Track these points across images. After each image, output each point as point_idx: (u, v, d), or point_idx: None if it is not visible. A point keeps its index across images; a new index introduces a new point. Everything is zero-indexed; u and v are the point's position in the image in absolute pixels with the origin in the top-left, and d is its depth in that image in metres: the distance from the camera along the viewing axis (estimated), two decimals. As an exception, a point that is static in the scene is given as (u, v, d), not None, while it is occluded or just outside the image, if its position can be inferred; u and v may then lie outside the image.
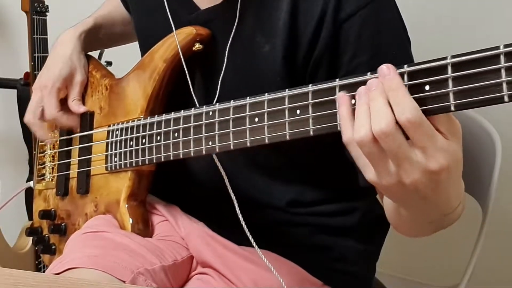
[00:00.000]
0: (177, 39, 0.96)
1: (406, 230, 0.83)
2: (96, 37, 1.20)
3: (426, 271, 1.69)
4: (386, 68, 0.62)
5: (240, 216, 0.87)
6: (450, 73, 0.59)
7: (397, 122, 0.60)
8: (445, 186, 0.65)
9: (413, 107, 0.60)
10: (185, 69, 0.97)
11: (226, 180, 0.89)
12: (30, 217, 1.72)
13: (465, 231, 1.23)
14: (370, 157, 0.63)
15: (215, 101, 0.92)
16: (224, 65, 0.93)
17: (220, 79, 0.93)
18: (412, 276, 1.47)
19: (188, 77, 0.97)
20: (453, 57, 0.59)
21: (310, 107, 0.70)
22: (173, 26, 0.98)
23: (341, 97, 0.66)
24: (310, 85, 0.70)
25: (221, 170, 0.89)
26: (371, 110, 0.62)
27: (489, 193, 1.11)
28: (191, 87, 0.96)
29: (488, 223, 1.12)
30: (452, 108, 0.60)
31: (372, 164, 0.64)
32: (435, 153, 0.61)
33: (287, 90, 0.73)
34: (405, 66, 0.63)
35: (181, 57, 0.97)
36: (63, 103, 1.12)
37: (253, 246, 0.97)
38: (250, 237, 0.86)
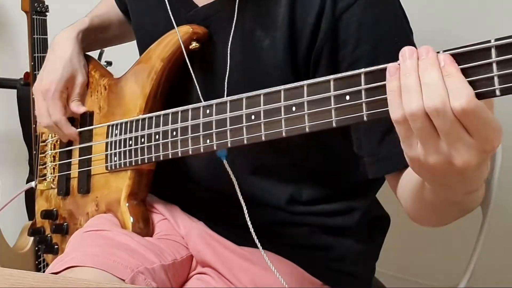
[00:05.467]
0: (180, 37, 0.96)
1: (427, 216, 0.81)
2: (93, 37, 1.19)
3: (426, 271, 1.69)
4: (442, 55, 0.59)
5: (247, 217, 0.86)
6: None
7: None
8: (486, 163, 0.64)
9: (470, 94, 0.57)
10: (190, 68, 0.97)
11: (235, 183, 0.89)
12: (30, 217, 1.72)
13: (465, 231, 1.23)
14: (421, 133, 0.60)
15: (225, 95, 0.92)
16: (228, 62, 0.93)
17: (226, 77, 0.93)
18: (412, 276, 1.48)
19: (193, 75, 0.96)
20: (445, 51, 0.59)
21: (305, 104, 0.70)
22: (174, 23, 0.98)
23: (393, 70, 0.61)
24: (305, 81, 0.70)
25: (231, 175, 0.89)
26: (423, 82, 0.59)
27: (489, 193, 1.11)
28: (197, 85, 0.96)
29: (488, 223, 1.12)
30: None
31: (421, 141, 0.61)
32: (489, 135, 0.59)
33: (282, 86, 0.73)
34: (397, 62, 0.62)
35: (185, 56, 0.96)
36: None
37: (253, 246, 0.97)
38: (256, 239, 0.86)
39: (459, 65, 0.58)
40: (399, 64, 0.61)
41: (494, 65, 0.57)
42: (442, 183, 0.67)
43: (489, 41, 0.57)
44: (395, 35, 0.86)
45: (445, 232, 1.67)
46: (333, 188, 1.01)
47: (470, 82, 0.57)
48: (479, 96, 0.57)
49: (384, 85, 0.63)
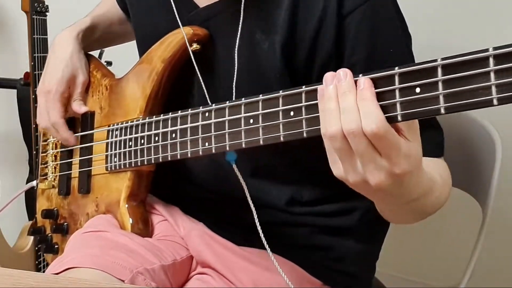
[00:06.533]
0: (185, 35, 0.96)
1: (386, 216, 0.86)
2: (93, 37, 1.19)
3: (426, 271, 1.69)
4: (363, 79, 0.64)
5: (256, 220, 0.87)
6: (440, 76, 0.59)
7: None
8: (407, 184, 0.68)
9: (380, 119, 0.62)
10: (196, 68, 0.96)
11: (245, 186, 0.89)
12: (30, 217, 1.72)
13: (465, 231, 1.23)
14: (339, 152, 0.66)
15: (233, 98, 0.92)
16: (236, 64, 0.93)
17: (234, 80, 0.93)
18: (412, 276, 1.47)
19: (200, 76, 0.96)
20: (443, 59, 0.59)
21: (303, 109, 0.70)
22: (180, 23, 0.98)
23: (321, 93, 0.67)
24: (303, 86, 0.70)
25: (240, 179, 0.89)
26: (342, 107, 0.64)
27: (489, 193, 1.11)
28: (203, 86, 0.96)
29: (488, 223, 1.12)
30: (443, 111, 0.60)
31: (341, 160, 0.66)
32: (398, 159, 0.64)
33: (281, 91, 0.73)
34: (396, 68, 0.63)
35: (192, 56, 0.96)
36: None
37: (253, 246, 0.97)
38: (263, 239, 0.86)
39: (378, 88, 0.63)
40: None
41: (397, 91, 0.61)
42: (369, 196, 0.73)
43: (487, 50, 0.57)
44: (391, 45, 0.88)
45: (445, 232, 1.67)
46: (333, 189, 1.00)
47: (468, 91, 0.58)
48: (477, 105, 0.58)
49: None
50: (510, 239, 1.61)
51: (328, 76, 0.66)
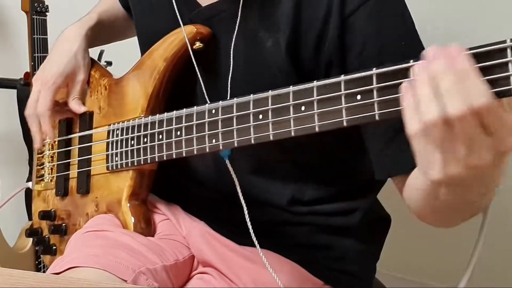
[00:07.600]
0: (185, 35, 0.96)
1: (437, 217, 0.82)
2: (100, 33, 1.19)
3: (426, 271, 1.69)
4: (454, 49, 0.58)
5: (247, 217, 0.87)
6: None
7: None
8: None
9: (487, 92, 0.57)
10: (196, 67, 0.96)
11: (237, 183, 0.89)
12: (30, 217, 1.71)
13: (465, 231, 1.23)
14: (440, 142, 0.59)
15: (228, 99, 0.92)
16: (231, 63, 0.93)
17: (229, 78, 0.93)
18: (412, 276, 1.48)
19: (199, 75, 0.96)
20: (471, 49, 0.58)
21: (315, 103, 0.70)
22: (181, 22, 0.98)
23: (407, 86, 0.61)
24: (315, 81, 0.70)
25: (233, 175, 0.89)
26: (441, 90, 0.57)
27: (489, 193, 1.10)
28: (203, 86, 0.96)
29: (488, 223, 1.11)
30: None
31: (441, 151, 0.60)
32: (506, 134, 0.59)
33: (291, 86, 0.73)
34: (411, 61, 0.62)
35: (191, 55, 0.96)
36: (58, 104, 1.12)
37: (254, 246, 0.97)
38: (254, 239, 0.86)
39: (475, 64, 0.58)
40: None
41: (510, 65, 0.56)
42: (462, 185, 0.66)
43: (505, 41, 0.56)
44: (401, 37, 0.87)
45: (445, 232, 1.66)
46: (335, 188, 1.01)
47: (489, 81, 0.56)
48: (497, 95, 0.56)
49: (396, 85, 0.63)
50: (510, 239, 1.61)
51: (426, 53, 0.60)
